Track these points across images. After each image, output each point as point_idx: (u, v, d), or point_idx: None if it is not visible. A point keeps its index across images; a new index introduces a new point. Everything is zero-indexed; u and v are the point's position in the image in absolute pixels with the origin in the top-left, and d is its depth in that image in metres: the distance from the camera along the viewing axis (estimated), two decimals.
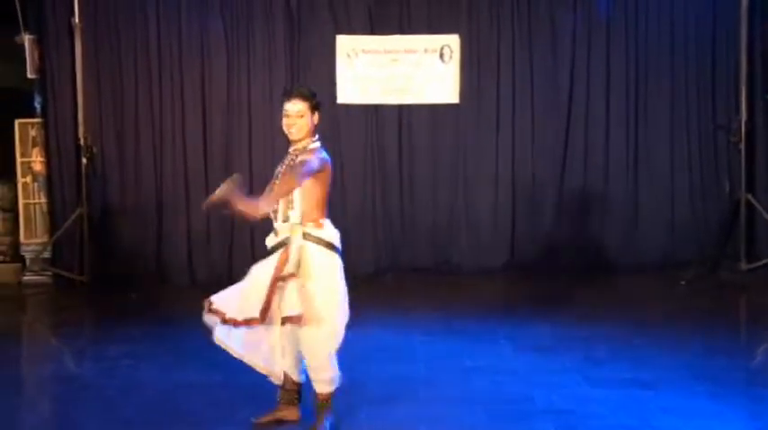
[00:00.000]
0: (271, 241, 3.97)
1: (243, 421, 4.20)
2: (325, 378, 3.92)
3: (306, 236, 3.87)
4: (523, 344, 5.64)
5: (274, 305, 3.87)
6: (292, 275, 3.84)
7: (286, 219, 3.89)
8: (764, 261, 7.73)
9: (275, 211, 3.90)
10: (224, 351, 5.56)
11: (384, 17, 8.09)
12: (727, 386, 4.68)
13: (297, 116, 3.92)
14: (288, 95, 3.97)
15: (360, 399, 4.33)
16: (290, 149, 4.02)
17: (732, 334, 6.15)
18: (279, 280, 3.86)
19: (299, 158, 3.93)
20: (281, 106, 3.98)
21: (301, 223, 3.88)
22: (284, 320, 3.86)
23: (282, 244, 3.89)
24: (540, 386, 4.69)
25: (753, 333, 6.32)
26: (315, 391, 3.98)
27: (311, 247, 3.86)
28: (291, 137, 3.96)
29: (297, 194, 3.88)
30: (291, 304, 3.83)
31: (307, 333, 3.83)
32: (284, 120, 3.96)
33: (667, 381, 4.76)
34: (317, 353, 3.86)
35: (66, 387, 4.95)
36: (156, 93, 8.05)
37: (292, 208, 3.88)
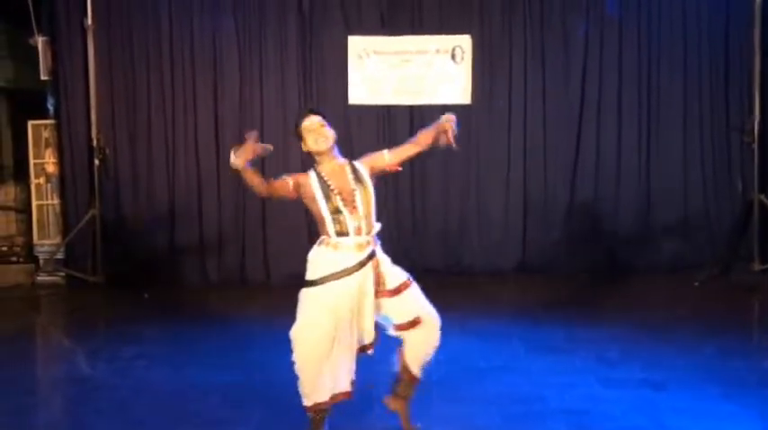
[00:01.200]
0: (350, 257, 3.82)
1: (256, 422, 4.21)
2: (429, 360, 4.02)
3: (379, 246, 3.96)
4: (536, 344, 5.63)
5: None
6: (405, 285, 3.91)
7: (369, 231, 3.90)
8: None
9: (357, 226, 3.84)
10: (238, 351, 5.62)
11: (395, 18, 8.09)
12: (739, 387, 4.67)
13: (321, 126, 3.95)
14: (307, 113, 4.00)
15: (372, 399, 4.34)
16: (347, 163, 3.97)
17: (744, 335, 6.13)
18: (385, 294, 3.87)
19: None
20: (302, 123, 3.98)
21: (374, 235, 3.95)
22: (405, 326, 3.89)
23: (370, 257, 3.86)
24: (553, 386, 4.69)
25: (765, 334, 6.30)
26: (415, 375, 3.98)
27: (387, 257, 3.96)
28: (323, 145, 3.93)
29: (374, 203, 3.92)
30: (406, 311, 3.88)
31: (429, 326, 3.89)
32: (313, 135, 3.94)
33: (680, 382, 4.75)
34: (435, 342, 3.94)
35: (79, 387, 4.98)
36: (168, 93, 8.08)
37: (372, 220, 3.92)
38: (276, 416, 4.31)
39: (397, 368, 4.02)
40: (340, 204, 3.82)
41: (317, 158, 3.96)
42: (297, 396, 4.56)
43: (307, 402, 3.87)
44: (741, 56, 7.99)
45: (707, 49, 8.09)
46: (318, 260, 3.87)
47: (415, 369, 3.97)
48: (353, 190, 3.86)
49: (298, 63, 8.09)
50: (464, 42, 8.07)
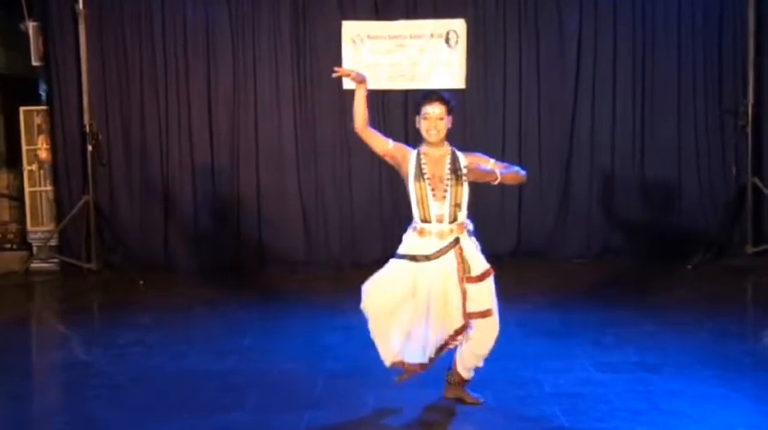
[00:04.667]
0: (432, 244, 3.96)
1: (253, 407, 4.22)
2: (480, 365, 4.13)
3: (469, 233, 4.05)
4: (531, 329, 5.65)
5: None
6: (487, 273, 4.01)
7: (454, 220, 3.98)
8: None
9: (440, 214, 3.95)
10: (234, 338, 5.63)
11: (389, 2, 8.05)
12: (734, 370, 4.70)
13: (437, 119, 4.00)
14: (428, 99, 4.04)
15: (368, 384, 4.36)
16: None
17: (739, 318, 6.17)
18: (471, 280, 3.96)
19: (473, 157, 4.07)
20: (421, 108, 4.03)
21: (462, 222, 4.03)
22: (472, 316, 3.98)
23: (451, 245, 3.96)
24: (548, 371, 4.71)
25: (760, 316, 6.34)
26: (464, 378, 4.16)
27: (474, 244, 4.06)
28: (432, 138, 4.01)
29: (466, 194, 4.01)
30: (483, 300, 3.98)
31: (492, 322, 3.99)
32: (424, 123, 4.02)
33: (675, 366, 4.78)
34: (491, 342, 4.03)
35: (76, 374, 4.97)
36: (161, 78, 8.04)
37: (461, 209, 4.00)
38: (272, 401, 4.32)
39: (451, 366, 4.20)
40: (428, 191, 3.95)
41: (424, 141, 4.06)
42: (293, 381, 4.60)
43: (386, 363, 4.08)
44: (735, 39, 7.98)
45: (701, 32, 8.08)
46: (407, 243, 4.04)
47: (465, 372, 4.14)
48: (447, 179, 3.97)
49: (292, 48, 8.04)
50: (458, 26, 8.04)
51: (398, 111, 8.13)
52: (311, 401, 4.27)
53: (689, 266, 7.54)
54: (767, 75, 7.92)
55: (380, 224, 8.10)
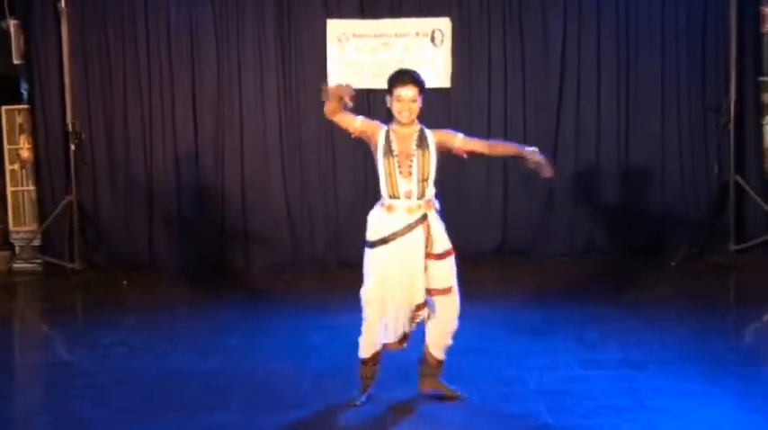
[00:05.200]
0: (401, 220, 3.99)
1: (238, 407, 4.21)
2: (450, 343, 4.20)
3: (436, 211, 4.10)
4: (516, 326, 5.66)
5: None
6: (449, 252, 4.08)
7: (422, 196, 4.02)
8: (753, 242, 7.77)
9: (408, 190, 3.99)
10: (218, 338, 5.61)
11: (375, 1, 8.03)
12: (717, 366, 4.73)
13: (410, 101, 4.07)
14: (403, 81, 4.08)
15: (354, 383, 4.34)
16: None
17: (722, 315, 6.21)
18: (433, 257, 4.02)
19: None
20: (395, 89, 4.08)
21: (430, 199, 4.08)
22: (433, 292, 4.07)
23: (420, 221, 4.00)
24: (533, 368, 4.73)
25: (742, 313, 6.38)
26: (438, 359, 4.20)
27: (440, 224, 4.09)
28: (404, 119, 4.07)
29: (434, 169, 4.05)
30: (443, 277, 4.06)
31: (453, 300, 4.10)
32: (398, 105, 4.07)
33: (659, 363, 4.81)
34: (455, 319, 4.13)
35: (60, 375, 4.93)
36: (144, 77, 7.98)
37: (428, 186, 4.04)
38: (257, 401, 4.32)
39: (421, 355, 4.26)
40: (395, 167, 3.99)
41: (395, 120, 4.10)
42: (278, 381, 4.60)
43: (365, 355, 4.15)
44: (717, 40, 8.01)
45: (684, 33, 8.10)
46: (374, 222, 4.07)
47: (439, 353, 4.18)
48: (413, 155, 4.01)
49: (276, 47, 8.00)
50: (443, 25, 8.04)
51: (383, 109, 8.09)
52: (297, 401, 4.27)
53: (672, 263, 7.58)
54: (749, 73, 7.97)
55: (365, 223, 8.06)
